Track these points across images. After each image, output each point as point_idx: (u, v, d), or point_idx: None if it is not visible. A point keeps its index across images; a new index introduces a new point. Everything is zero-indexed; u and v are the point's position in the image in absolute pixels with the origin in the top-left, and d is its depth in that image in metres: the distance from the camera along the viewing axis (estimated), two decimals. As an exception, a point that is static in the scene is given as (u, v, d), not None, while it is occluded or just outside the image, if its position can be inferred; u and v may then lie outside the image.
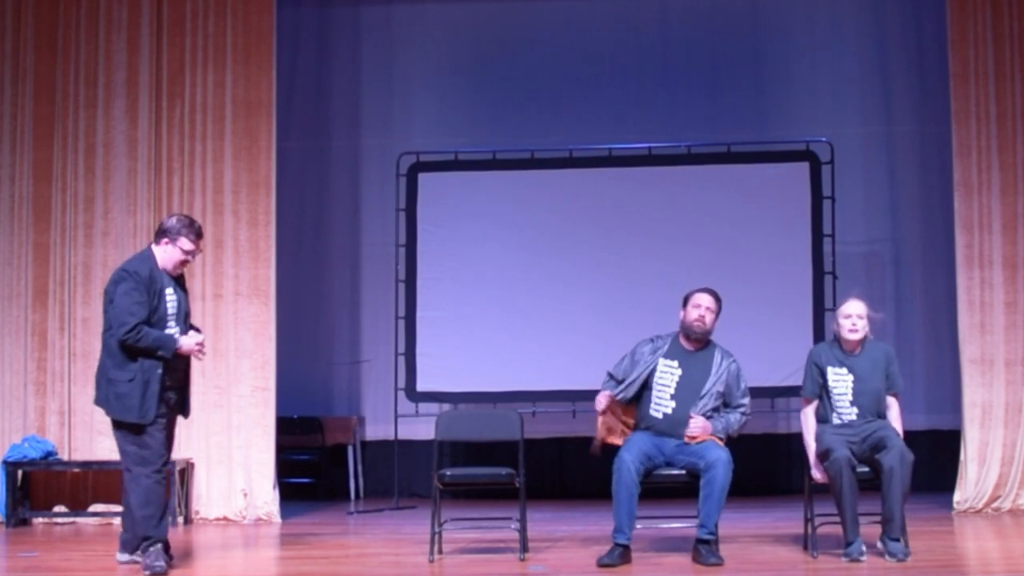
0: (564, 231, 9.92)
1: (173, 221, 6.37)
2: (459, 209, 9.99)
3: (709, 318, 6.48)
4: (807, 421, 6.52)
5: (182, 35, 8.93)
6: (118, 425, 6.20)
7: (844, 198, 9.78)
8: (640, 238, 9.85)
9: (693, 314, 6.49)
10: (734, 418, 6.45)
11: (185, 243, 6.31)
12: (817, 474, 6.39)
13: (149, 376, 6.15)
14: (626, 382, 6.51)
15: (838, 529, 6.51)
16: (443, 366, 9.80)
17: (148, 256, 6.33)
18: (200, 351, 6.37)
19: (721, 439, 6.37)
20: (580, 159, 9.98)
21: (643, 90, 10.56)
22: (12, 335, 8.83)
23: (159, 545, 6.21)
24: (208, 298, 8.71)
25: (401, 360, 9.81)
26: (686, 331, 6.52)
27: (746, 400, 6.50)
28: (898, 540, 6.11)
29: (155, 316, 6.19)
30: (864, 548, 6.14)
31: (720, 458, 6.19)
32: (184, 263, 6.37)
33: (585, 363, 9.49)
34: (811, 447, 6.45)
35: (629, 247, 9.84)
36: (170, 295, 6.29)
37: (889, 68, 10.43)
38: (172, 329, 6.26)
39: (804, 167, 9.72)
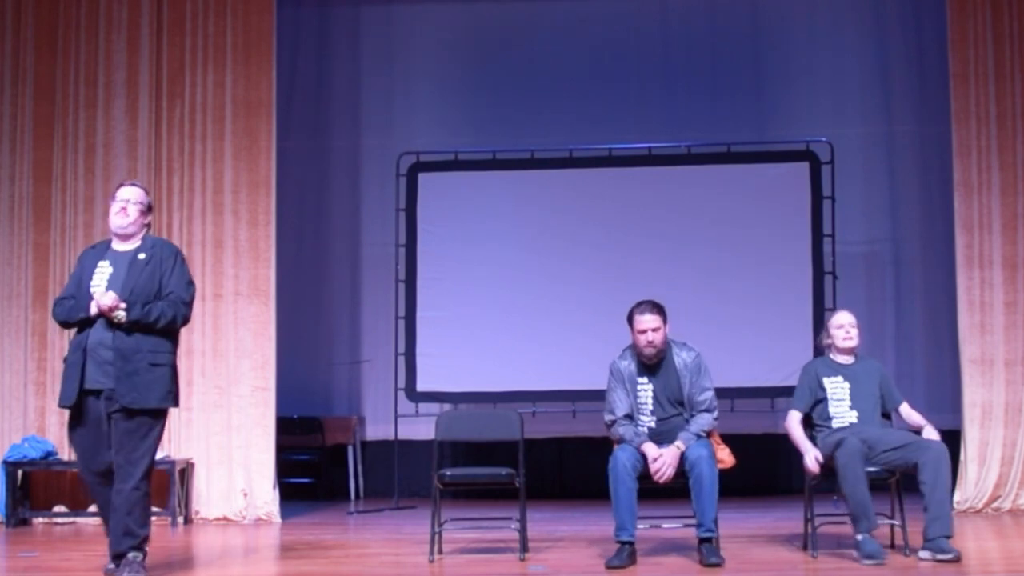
0: (564, 231, 9.93)
1: None
2: (459, 209, 9.99)
3: (658, 338, 6.33)
4: (793, 423, 6.48)
5: (182, 35, 8.93)
6: None
7: (844, 198, 9.78)
8: (640, 238, 9.85)
9: (641, 339, 6.35)
10: (701, 421, 6.33)
11: (117, 193, 5.96)
12: (810, 463, 6.30)
13: (75, 357, 5.72)
14: (634, 409, 6.40)
15: (838, 529, 6.51)
16: (443, 366, 9.80)
17: (105, 240, 6.10)
18: (108, 307, 5.65)
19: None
20: (580, 159, 9.99)
21: (643, 90, 10.56)
22: (12, 335, 8.83)
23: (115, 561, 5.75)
24: (208, 298, 8.71)
25: (401, 360, 9.81)
26: (640, 356, 6.40)
27: (707, 395, 6.37)
28: (950, 537, 6.03)
29: (80, 292, 5.79)
30: (882, 547, 6.03)
31: (701, 456, 6.14)
32: (123, 211, 5.87)
33: (585, 363, 9.50)
34: (803, 441, 6.38)
35: (629, 247, 9.84)
36: (102, 268, 5.83)
37: (889, 68, 10.44)
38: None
39: (804, 167, 9.73)
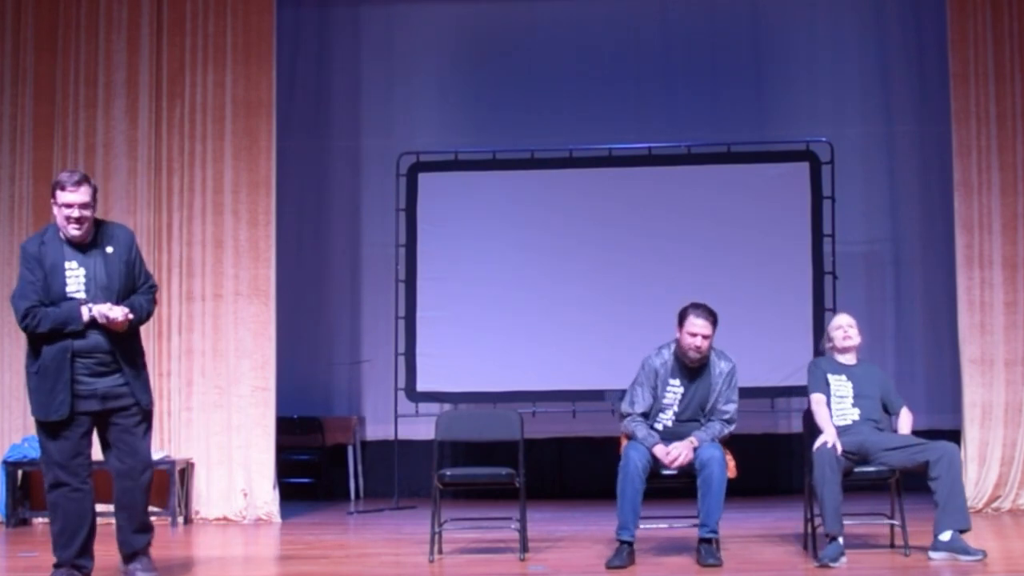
0: (564, 231, 9.92)
1: (58, 176, 5.56)
2: (459, 209, 9.99)
3: (706, 345, 6.29)
4: (818, 405, 6.43)
5: (182, 35, 8.93)
6: (36, 424, 5.58)
7: (844, 198, 9.78)
8: (640, 238, 9.85)
9: (690, 342, 6.28)
10: (716, 428, 6.33)
11: (61, 196, 5.41)
12: (819, 444, 6.24)
13: (60, 364, 5.42)
14: (654, 408, 6.38)
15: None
16: (443, 366, 9.79)
17: (48, 229, 5.57)
18: (114, 319, 5.40)
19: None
20: (580, 159, 9.98)
21: (643, 90, 10.56)
22: (12, 335, 8.81)
23: (60, 572, 5.50)
24: (208, 298, 8.71)
25: (401, 360, 9.81)
26: (682, 356, 6.36)
27: (731, 407, 6.37)
28: (968, 529, 6.05)
29: (50, 297, 5.43)
30: (844, 551, 6.05)
31: (714, 456, 6.15)
32: (78, 221, 5.42)
33: (585, 363, 9.53)
34: (826, 423, 6.32)
35: (629, 247, 9.84)
36: (72, 270, 5.45)
37: (889, 68, 10.43)
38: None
39: (804, 167, 9.73)
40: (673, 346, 6.42)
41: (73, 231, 5.45)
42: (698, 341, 6.28)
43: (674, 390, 6.38)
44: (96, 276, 5.49)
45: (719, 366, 6.39)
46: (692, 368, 6.37)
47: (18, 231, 8.89)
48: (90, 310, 5.42)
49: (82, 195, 5.45)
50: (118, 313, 5.43)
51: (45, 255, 5.48)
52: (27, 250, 5.54)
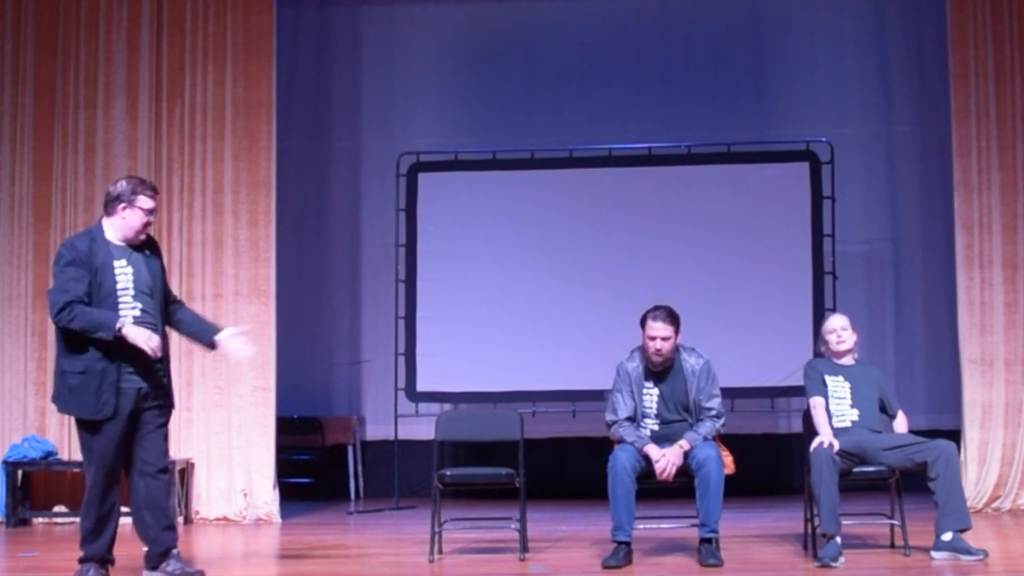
0: (564, 231, 9.92)
1: (123, 184, 5.70)
2: (459, 209, 9.99)
3: (667, 347, 6.29)
4: (816, 408, 6.42)
5: (182, 35, 8.93)
6: (77, 422, 5.65)
7: (844, 198, 9.78)
8: (640, 238, 9.85)
9: (650, 345, 6.30)
10: (708, 426, 6.31)
11: (145, 201, 5.65)
12: (815, 444, 6.25)
13: (105, 365, 5.51)
14: (638, 413, 6.38)
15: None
16: (443, 366, 9.79)
17: (94, 230, 5.70)
18: (152, 349, 5.54)
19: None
20: (580, 159, 9.98)
21: (643, 90, 10.56)
22: (12, 335, 8.83)
23: (88, 566, 5.68)
24: (208, 298, 8.70)
25: (401, 360, 9.81)
26: (647, 360, 6.37)
27: (715, 402, 6.35)
28: (969, 528, 6.06)
29: (100, 293, 5.52)
30: (842, 550, 6.06)
31: (710, 455, 6.14)
32: (147, 225, 5.69)
33: (585, 363, 9.51)
34: (823, 426, 6.32)
35: (629, 247, 9.84)
36: (121, 268, 5.58)
37: (889, 68, 10.43)
38: (128, 306, 5.55)
39: (804, 167, 9.73)
40: (639, 352, 6.45)
41: (141, 237, 5.69)
42: (658, 344, 6.29)
43: (650, 392, 6.38)
44: (140, 275, 5.66)
45: (689, 363, 6.38)
46: (660, 371, 6.37)
47: (18, 231, 8.90)
48: (121, 328, 5.49)
49: (154, 203, 5.76)
50: (155, 343, 5.55)
51: (96, 253, 5.60)
52: (76, 247, 5.61)
